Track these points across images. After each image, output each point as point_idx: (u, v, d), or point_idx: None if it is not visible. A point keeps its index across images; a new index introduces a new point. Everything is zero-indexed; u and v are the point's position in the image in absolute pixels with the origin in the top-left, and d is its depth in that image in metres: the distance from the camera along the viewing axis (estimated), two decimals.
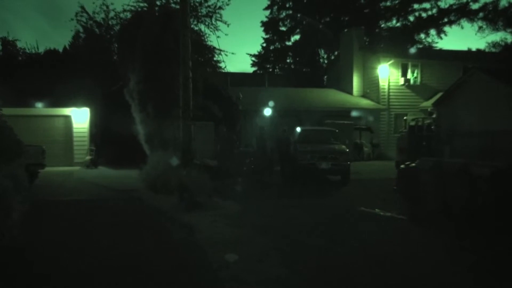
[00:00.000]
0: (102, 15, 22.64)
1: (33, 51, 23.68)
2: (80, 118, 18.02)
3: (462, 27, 31.72)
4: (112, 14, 22.50)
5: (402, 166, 10.37)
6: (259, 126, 16.25)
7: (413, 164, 9.67)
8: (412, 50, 23.78)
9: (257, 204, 10.08)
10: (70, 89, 17.12)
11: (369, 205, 9.96)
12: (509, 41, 29.33)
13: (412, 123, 15.48)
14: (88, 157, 17.43)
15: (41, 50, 23.61)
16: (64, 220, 8.35)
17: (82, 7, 22.33)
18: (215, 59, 22.47)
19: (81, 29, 22.94)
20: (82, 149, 17.83)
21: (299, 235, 7.18)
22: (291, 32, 38.00)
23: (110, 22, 22.82)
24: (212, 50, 21.87)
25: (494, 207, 7.07)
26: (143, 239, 6.83)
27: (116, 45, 22.44)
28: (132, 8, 20.57)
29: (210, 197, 9.83)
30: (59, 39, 59.14)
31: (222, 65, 21.08)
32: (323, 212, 9.38)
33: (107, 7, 22.46)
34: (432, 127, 15.55)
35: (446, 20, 31.72)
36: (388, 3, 33.79)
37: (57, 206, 9.68)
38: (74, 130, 17.87)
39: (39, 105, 17.14)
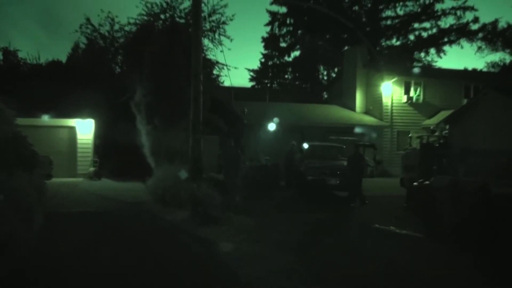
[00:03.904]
0: (107, 28, 22.73)
1: (35, 62, 23.63)
2: (84, 129, 17.91)
3: (462, 47, 32.23)
4: (117, 27, 22.60)
5: (415, 183, 10.37)
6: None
7: (427, 182, 9.67)
8: (416, 69, 24.02)
9: (270, 219, 10.00)
10: (75, 100, 17.04)
11: (381, 222, 9.91)
12: (507, 61, 29.79)
13: (424, 141, 15.53)
14: (91, 169, 17.27)
15: (42, 60, 23.55)
16: (77, 232, 8.19)
17: (88, 19, 22.42)
18: (215, 72, 22.67)
19: (84, 41, 22.97)
20: (86, 160, 17.68)
21: (320, 251, 7.11)
22: (291, 48, 38.32)
23: (114, 35, 22.89)
24: (214, 64, 22.03)
25: None
26: (163, 253, 6.71)
27: (121, 57, 22.53)
28: (137, 22, 20.74)
29: (223, 212, 9.73)
30: (58, 50, 59.20)
31: (224, 79, 21.24)
32: (338, 228, 9.32)
33: (113, 19, 22.55)
34: (437, 145, 15.63)
35: (446, 39, 32.22)
36: (389, 22, 34.27)
37: (68, 218, 9.52)
38: (78, 141, 17.74)
39: (44, 115, 17.03)
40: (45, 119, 17.42)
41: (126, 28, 21.95)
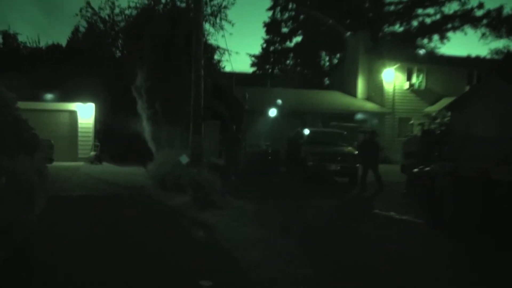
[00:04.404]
0: (108, 11, 22.48)
1: (35, 45, 23.48)
2: (85, 113, 17.90)
3: (465, 33, 31.96)
4: (117, 10, 22.34)
5: (415, 170, 10.36)
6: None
7: (427, 169, 9.66)
8: (420, 54, 23.84)
9: (270, 204, 10.04)
10: (75, 84, 17.01)
11: (382, 208, 9.94)
12: (511, 48, 29.53)
13: (425, 128, 15.50)
14: (92, 153, 17.31)
15: (42, 44, 23.40)
16: (78, 215, 8.22)
17: (88, 3, 22.16)
18: (216, 58, 22.51)
19: (84, 25, 22.76)
20: (87, 144, 17.71)
21: (320, 236, 7.14)
22: (293, 33, 38.04)
23: (115, 18, 22.66)
24: (215, 49, 21.87)
25: None
26: (164, 238, 6.74)
27: (122, 42, 22.36)
28: (138, 5, 20.50)
29: (223, 196, 9.78)
30: (57, 34, 58.73)
31: (225, 64, 21.11)
32: (339, 214, 9.36)
33: (113, 3, 22.29)
34: (438, 132, 15.61)
35: (449, 26, 31.91)
36: (392, 8, 33.93)
37: (69, 201, 9.55)
38: (79, 125, 17.75)
39: (46, 99, 17.02)
40: (46, 103, 17.42)
41: (127, 12, 21.67)
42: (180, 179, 11.16)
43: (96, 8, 22.36)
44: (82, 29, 22.99)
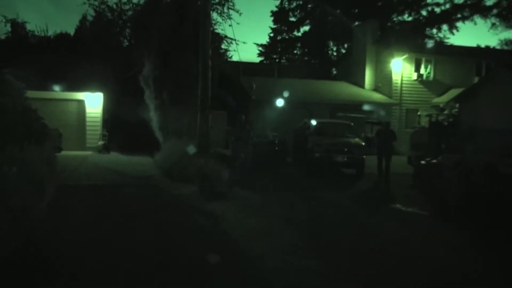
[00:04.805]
0: (115, 0, 22.43)
1: (43, 34, 23.53)
2: (93, 103, 17.98)
3: (475, 23, 31.48)
4: None
5: (423, 162, 10.37)
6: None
7: (435, 161, 9.66)
8: (429, 45, 23.59)
9: (277, 195, 10.09)
10: (83, 73, 17.04)
11: (388, 200, 9.98)
12: None
13: (433, 119, 15.42)
14: (100, 142, 17.42)
15: (50, 33, 23.40)
16: (86, 204, 8.33)
17: None
18: (223, 47, 22.43)
19: (92, 13, 22.74)
20: (94, 134, 17.82)
21: (325, 227, 7.20)
22: (300, 23, 37.69)
23: (122, 7, 22.63)
24: (222, 38, 21.80)
25: None
26: (172, 227, 6.84)
27: (129, 31, 22.37)
28: None
29: (230, 187, 9.85)
30: (65, 23, 58.69)
31: (232, 53, 21.02)
32: (344, 205, 9.39)
33: None
34: (446, 123, 15.53)
35: (459, 15, 31.45)
36: None
37: (77, 190, 9.68)
38: (87, 114, 17.84)
39: (54, 88, 17.11)
40: (54, 92, 17.51)
41: (134, 1, 21.66)
42: (187, 169, 11.24)
43: None
44: (90, 18, 22.98)
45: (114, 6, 22.62)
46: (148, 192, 10.37)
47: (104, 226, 6.61)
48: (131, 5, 21.97)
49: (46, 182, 5.75)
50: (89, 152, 17.07)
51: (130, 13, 22.00)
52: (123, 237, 6.11)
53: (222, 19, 20.72)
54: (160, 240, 6.03)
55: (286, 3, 36.69)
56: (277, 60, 39.11)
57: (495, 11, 29.38)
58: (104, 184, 10.80)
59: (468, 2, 30.93)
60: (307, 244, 6.11)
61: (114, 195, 9.60)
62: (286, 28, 37.97)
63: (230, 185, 10.00)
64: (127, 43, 22.78)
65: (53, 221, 6.43)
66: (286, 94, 19.88)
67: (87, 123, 17.83)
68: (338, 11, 33.36)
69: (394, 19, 34.05)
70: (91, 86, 17.80)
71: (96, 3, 22.34)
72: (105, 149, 17.26)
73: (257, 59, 38.67)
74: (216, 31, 20.48)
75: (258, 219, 7.43)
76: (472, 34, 75.87)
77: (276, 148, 15.10)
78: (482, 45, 29.25)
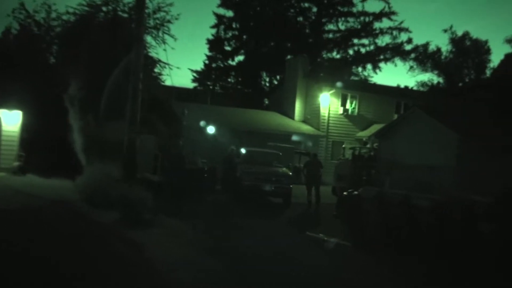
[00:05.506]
0: (43, 14, 21.41)
1: None
2: (10, 120, 16.76)
3: (396, 65, 34.15)
4: (54, 15, 21.36)
5: (345, 193, 10.82)
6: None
7: (356, 192, 10.13)
8: (352, 82, 25.06)
9: (203, 223, 9.95)
10: (2, 88, 15.95)
11: (313, 229, 10.22)
12: (435, 82, 31.91)
13: (356, 152, 16.24)
14: (16, 163, 16.18)
15: None
16: None
17: (22, 4, 20.97)
18: (156, 71, 22.19)
19: (17, 27, 21.51)
20: (10, 154, 16.50)
21: (250, 257, 7.19)
22: (235, 52, 38.45)
23: (51, 23, 21.66)
24: (156, 62, 21.58)
25: (433, 236, 7.61)
26: (88, 257, 6.44)
27: (57, 48, 21.39)
28: (77, 11, 19.80)
29: (155, 214, 9.56)
30: None
31: (165, 78, 20.83)
32: (270, 235, 9.47)
33: (50, 7, 21.28)
34: (367, 157, 16.41)
35: (382, 57, 33.97)
36: (331, 35, 35.55)
37: None
38: (3, 133, 16.54)
39: None
40: None
41: (64, 17, 20.81)
42: (110, 195, 10.74)
43: (31, 11, 21.26)
44: (14, 31, 21.69)
45: (42, 21, 21.64)
46: (67, 218, 9.71)
47: (10, 255, 6.07)
48: (60, 21, 21.14)
49: None
50: (2, 174, 15.77)
51: (58, 29, 21.14)
52: (29, 266, 5.63)
53: (157, 43, 20.53)
54: (73, 271, 5.64)
55: (222, 32, 37.35)
56: (211, 87, 39.34)
57: (413, 55, 32.07)
58: (15, 209, 9.94)
59: (390, 46, 33.53)
60: (230, 275, 6.06)
61: (27, 221, 8.87)
62: (221, 57, 38.50)
63: (156, 212, 9.70)
64: (53, 60, 21.76)
65: None
66: (218, 121, 19.98)
67: (2, 142, 16.52)
68: (270, 45, 34.64)
69: (324, 55, 35.93)
70: (10, 103, 16.63)
71: (22, 16, 21.20)
72: (21, 170, 16.03)
73: (191, 85, 38.66)
74: (150, 54, 20.26)
75: (182, 248, 7.27)
76: (394, 74, 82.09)
77: (205, 175, 15.00)
78: (402, 85, 31.65)
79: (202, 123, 19.64)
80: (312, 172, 13.92)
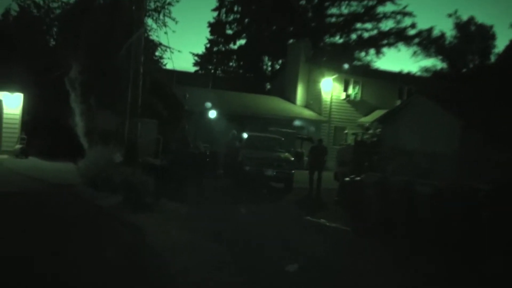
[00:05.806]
0: None
1: None
2: (12, 103, 16.73)
3: (399, 50, 33.95)
4: None
5: (347, 179, 10.80)
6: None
7: (358, 178, 10.10)
8: (355, 67, 24.83)
9: (205, 207, 9.99)
10: (3, 71, 15.87)
11: (314, 215, 10.25)
12: (438, 67, 31.73)
13: (358, 138, 16.19)
14: (18, 146, 16.19)
15: None
16: None
17: None
18: (157, 54, 22.00)
19: (16, 8, 21.28)
20: (12, 136, 16.53)
21: (252, 242, 7.21)
22: (237, 36, 38.07)
23: (50, 5, 21.41)
24: (157, 45, 21.38)
25: (433, 222, 7.62)
26: (91, 240, 6.47)
27: (57, 30, 21.18)
28: None
29: (157, 199, 9.57)
30: None
31: (167, 61, 20.64)
32: (271, 220, 9.49)
33: None
34: (370, 143, 16.36)
35: (385, 42, 33.68)
36: (334, 19, 35.17)
37: None
38: (4, 115, 16.54)
39: None
40: None
41: None
42: (112, 179, 10.75)
43: None
44: (14, 13, 21.45)
45: (41, 3, 21.39)
46: (69, 202, 9.76)
47: (13, 237, 6.10)
48: (60, 3, 20.89)
49: None
50: (4, 156, 15.80)
51: (58, 11, 20.90)
52: (32, 249, 5.66)
53: (158, 26, 20.31)
54: (75, 255, 5.67)
55: (224, 15, 36.93)
56: (212, 71, 39.09)
57: (416, 40, 31.81)
58: (17, 192, 9.99)
59: (393, 30, 33.21)
60: (233, 259, 6.07)
61: (29, 204, 8.92)
62: (222, 40, 38.15)
63: (157, 196, 9.71)
64: (54, 43, 21.57)
65: None
66: (219, 105, 19.88)
67: (4, 125, 16.51)
68: (272, 29, 34.27)
69: (326, 40, 35.59)
70: (11, 86, 16.57)
71: None
72: (23, 153, 16.06)
73: (193, 69, 38.41)
74: (151, 37, 20.06)
75: (184, 232, 7.29)
76: (397, 59, 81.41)
77: (207, 159, 14.98)
78: (405, 71, 31.45)
79: (207, 105, 19.50)
80: (316, 157, 13.83)
